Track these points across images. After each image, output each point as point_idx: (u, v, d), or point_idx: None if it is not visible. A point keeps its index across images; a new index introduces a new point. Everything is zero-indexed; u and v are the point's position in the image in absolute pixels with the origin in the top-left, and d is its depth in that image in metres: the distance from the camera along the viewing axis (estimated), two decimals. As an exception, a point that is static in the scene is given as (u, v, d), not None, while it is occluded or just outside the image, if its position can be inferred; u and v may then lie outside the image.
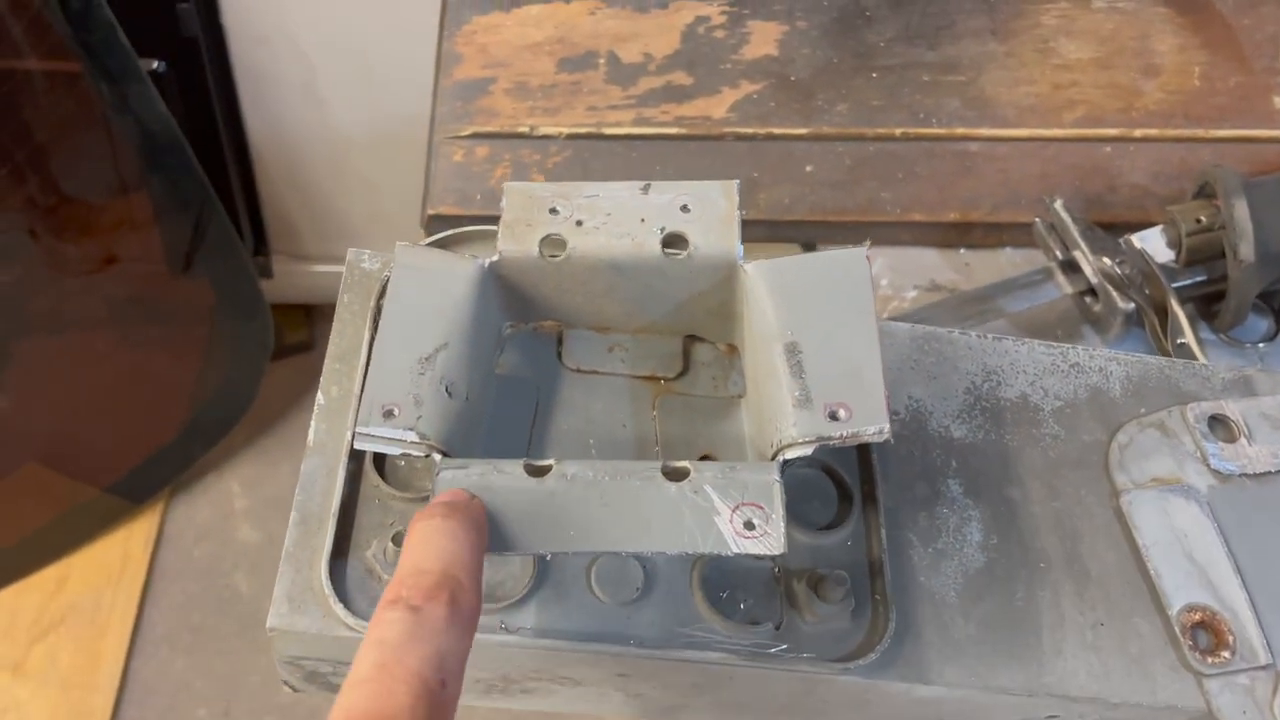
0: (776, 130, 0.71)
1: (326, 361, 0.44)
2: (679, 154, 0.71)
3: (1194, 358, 0.58)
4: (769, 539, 0.36)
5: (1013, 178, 0.70)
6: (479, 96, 0.73)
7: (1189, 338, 0.59)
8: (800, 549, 0.42)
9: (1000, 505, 0.45)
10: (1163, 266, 0.63)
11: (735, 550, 0.36)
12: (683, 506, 0.36)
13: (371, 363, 0.39)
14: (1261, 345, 0.65)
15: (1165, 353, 0.60)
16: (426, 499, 0.41)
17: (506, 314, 0.45)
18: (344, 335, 0.45)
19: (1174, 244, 0.64)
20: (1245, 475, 0.47)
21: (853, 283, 0.41)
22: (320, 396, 0.43)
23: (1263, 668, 0.43)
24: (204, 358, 1.36)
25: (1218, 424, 0.49)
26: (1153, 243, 0.65)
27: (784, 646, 0.40)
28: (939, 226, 0.69)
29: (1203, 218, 0.63)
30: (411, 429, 0.38)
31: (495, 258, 0.43)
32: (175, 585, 1.39)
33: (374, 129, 1.29)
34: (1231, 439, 0.48)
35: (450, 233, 0.47)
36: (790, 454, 0.38)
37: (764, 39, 0.75)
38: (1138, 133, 0.71)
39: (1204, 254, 0.63)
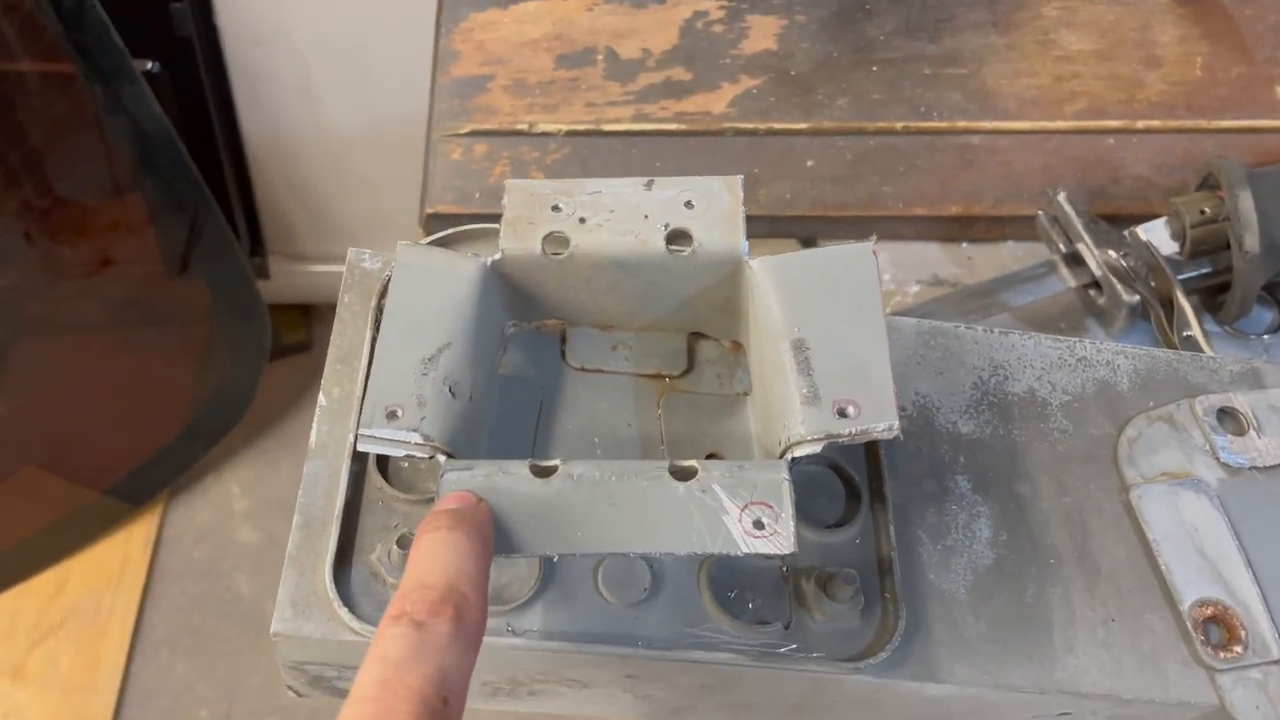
0: (777, 125, 0.71)
1: (328, 363, 0.44)
2: (679, 150, 0.70)
3: (1200, 350, 0.58)
4: (779, 538, 0.35)
5: (1015, 170, 0.69)
6: (477, 94, 0.72)
7: (1195, 330, 0.58)
8: (808, 547, 0.42)
9: (1009, 501, 0.45)
10: (1167, 258, 0.62)
11: (745, 550, 0.35)
12: (691, 506, 0.36)
13: (374, 363, 0.39)
14: (1266, 337, 0.65)
15: (1171, 345, 0.60)
16: (431, 501, 0.41)
17: (509, 313, 0.45)
18: (345, 336, 0.44)
19: (1178, 236, 0.64)
20: (1255, 468, 0.47)
21: (859, 278, 0.40)
22: (322, 398, 0.43)
23: (1275, 662, 0.42)
24: (202, 359, 1.36)
25: (1226, 417, 0.48)
26: (1157, 234, 0.65)
27: (793, 646, 0.40)
28: (941, 220, 0.69)
29: (1207, 209, 0.62)
30: (415, 430, 0.37)
31: (497, 256, 0.42)
32: (175, 587, 1.39)
33: (371, 128, 1.28)
34: (1240, 432, 0.48)
35: (451, 231, 0.47)
36: (799, 452, 0.37)
37: (763, 33, 0.74)
38: (1140, 124, 0.70)
39: (1208, 245, 0.63)
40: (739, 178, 0.43)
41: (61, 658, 1.30)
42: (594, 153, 0.70)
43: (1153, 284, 0.61)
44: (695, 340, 0.46)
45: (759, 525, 0.36)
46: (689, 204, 0.42)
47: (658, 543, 0.35)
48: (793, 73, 0.73)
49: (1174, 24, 0.74)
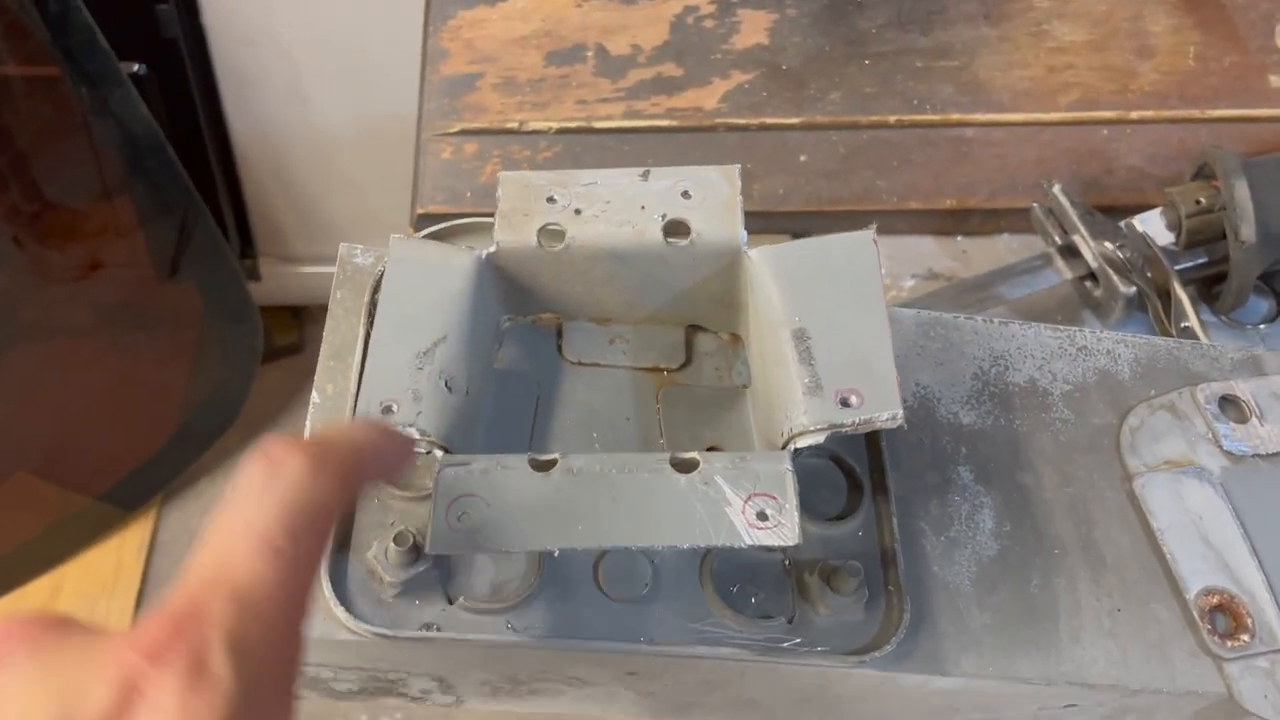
0: (769, 120, 0.70)
1: (320, 359, 0.43)
2: (670, 146, 0.70)
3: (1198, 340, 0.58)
4: (783, 529, 0.35)
5: (1009, 163, 0.69)
6: (466, 92, 0.72)
7: (1192, 321, 0.58)
8: (811, 540, 0.41)
9: (1012, 492, 0.45)
10: (1163, 249, 0.62)
11: (749, 542, 0.35)
12: (693, 499, 0.35)
13: (368, 358, 0.38)
14: (1263, 326, 0.65)
15: (1169, 336, 0.59)
16: (428, 497, 0.40)
17: (504, 306, 0.44)
18: (338, 332, 0.44)
19: (1174, 226, 0.63)
20: (1258, 456, 0.47)
21: (860, 266, 0.40)
22: (315, 395, 0.42)
23: (1282, 650, 0.42)
24: (193, 362, 1.35)
25: (1228, 404, 0.48)
26: (1152, 225, 0.64)
27: (797, 640, 0.39)
28: (936, 214, 0.69)
29: (1202, 199, 0.62)
30: (411, 425, 0.37)
31: (492, 249, 0.42)
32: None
33: (360, 127, 1.27)
34: (1243, 419, 0.48)
35: (445, 225, 0.46)
36: (802, 442, 0.37)
37: (754, 28, 0.74)
38: (1134, 114, 0.70)
39: (1204, 236, 0.63)
40: (736, 167, 0.42)
41: (54, 666, 1.29)
42: (585, 150, 0.70)
43: (1149, 275, 0.61)
44: (693, 333, 0.46)
45: (762, 517, 0.35)
46: (686, 194, 0.42)
47: (660, 536, 0.35)
48: (784, 67, 0.72)
49: (1166, 13, 0.73)
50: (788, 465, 0.36)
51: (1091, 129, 0.70)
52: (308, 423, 0.42)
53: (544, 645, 0.38)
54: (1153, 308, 0.60)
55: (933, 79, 0.71)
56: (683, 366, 0.45)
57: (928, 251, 0.70)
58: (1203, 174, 0.64)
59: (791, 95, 0.71)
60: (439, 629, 0.37)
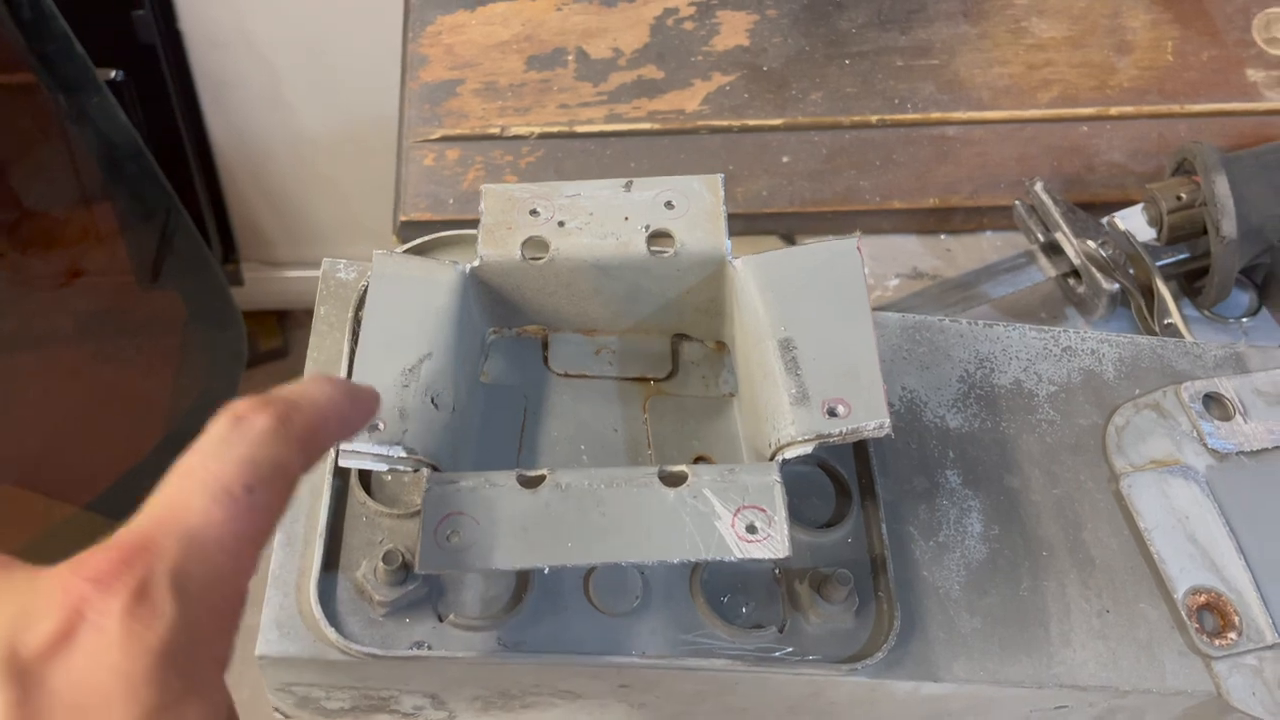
0: (751, 122, 0.70)
1: (305, 375, 0.43)
2: (653, 150, 0.70)
3: (1182, 337, 0.58)
4: (773, 542, 0.35)
5: (991, 161, 0.69)
6: (447, 98, 0.72)
7: (1176, 318, 0.58)
8: (800, 548, 0.41)
9: (1000, 495, 0.45)
10: (1145, 245, 0.62)
11: (739, 556, 0.35)
12: (682, 512, 0.35)
13: (353, 376, 0.38)
14: (1245, 320, 0.65)
15: (1152, 333, 0.60)
16: (416, 514, 0.40)
17: (489, 319, 0.44)
18: (322, 349, 0.43)
19: (1155, 222, 0.64)
20: (1242, 453, 0.47)
21: (845, 275, 0.40)
22: (302, 413, 0.42)
23: (1270, 647, 0.42)
24: (178, 369, 1.34)
25: (1212, 402, 0.48)
26: (1133, 221, 0.65)
27: (789, 649, 0.39)
28: (918, 213, 0.69)
29: (1183, 195, 0.62)
30: (398, 443, 0.36)
31: (476, 263, 0.41)
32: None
33: (340, 130, 1.27)
34: (1227, 417, 0.48)
35: (427, 238, 0.46)
36: (790, 453, 0.37)
37: (734, 29, 0.74)
38: (1113, 110, 0.70)
39: (1185, 231, 0.63)
40: (719, 176, 0.42)
41: (43, 677, 1.28)
42: (567, 155, 0.70)
43: (1132, 271, 0.61)
44: (679, 342, 0.46)
45: (752, 530, 0.35)
46: (669, 204, 0.42)
47: (650, 552, 0.35)
48: (765, 68, 0.72)
49: (1144, 9, 0.74)
50: (776, 477, 0.36)
51: (1072, 125, 0.70)
52: (294, 441, 0.41)
53: (536, 660, 0.38)
54: (1136, 305, 0.61)
55: (913, 78, 0.71)
56: (669, 376, 0.45)
57: (912, 250, 0.70)
58: (1183, 169, 0.65)
59: (773, 96, 0.71)
60: (430, 647, 0.37)
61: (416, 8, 0.75)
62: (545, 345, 0.45)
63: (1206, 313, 0.65)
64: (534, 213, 0.42)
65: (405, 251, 0.45)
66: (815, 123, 0.70)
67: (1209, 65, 0.71)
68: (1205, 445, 0.47)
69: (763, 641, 0.39)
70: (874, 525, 0.42)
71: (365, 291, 0.43)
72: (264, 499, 0.29)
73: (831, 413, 0.37)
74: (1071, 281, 0.64)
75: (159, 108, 1.21)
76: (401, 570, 0.37)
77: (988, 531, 0.44)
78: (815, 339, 0.38)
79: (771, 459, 0.38)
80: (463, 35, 0.74)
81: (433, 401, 0.38)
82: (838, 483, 0.43)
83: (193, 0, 1.14)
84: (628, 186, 0.42)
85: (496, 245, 0.41)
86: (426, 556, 0.35)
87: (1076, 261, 0.63)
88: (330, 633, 0.37)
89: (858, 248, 0.41)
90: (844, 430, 0.37)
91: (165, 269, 1.22)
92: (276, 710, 0.42)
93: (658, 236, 0.41)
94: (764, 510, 0.35)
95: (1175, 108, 0.70)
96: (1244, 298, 0.66)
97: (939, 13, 0.74)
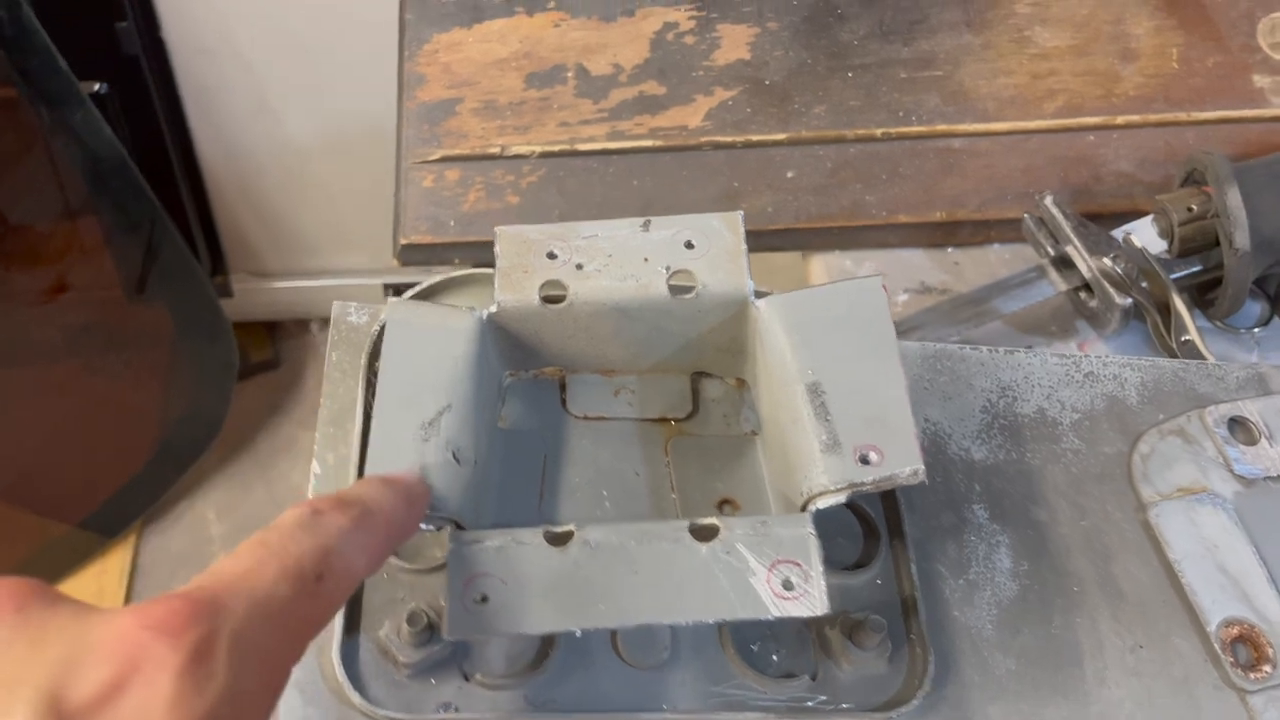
0: (754, 137, 0.69)
1: (319, 425, 0.42)
2: (656, 167, 0.69)
3: (1199, 354, 0.57)
4: (810, 599, 0.34)
5: (998, 173, 0.68)
6: (446, 118, 0.70)
7: (1193, 335, 0.58)
8: (829, 591, 0.40)
9: (1028, 529, 0.44)
10: (1159, 260, 0.62)
11: (775, 614, 0.34)
12: (716, 569, 0.35)
13: (372, 431, 0.37)
14: (1257, 330, 0.65)
15: (1168, 349, 0.59)
16: (437, 569, 0.39)
17: (506, 363, 0.43)
18: (335, 397, 0.42)
19: (1166, 234, 0.63)
20: (1270, 478, 0.47)
21: (871, 314, 0.39)
22: (315, 465, 0.41)
23: (1305, 680, 0.42)
24: (168, 383, 1.33)
25: (1237, 426, 0.48)
26: (1144, 233, 0.64)
27: (822, 698, 0.39)
28: (925, 227, 0.68)
29: (1194, 206, 0.62)
30: (421, 502, 0.35)
31: (493, 308, 0.40)
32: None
33: (328, 138, 1.26)
34: (1252, 441, 0.48)
35: (438, 279, 0.45)
36: (822, 503, 0.36)
37: (735, 43, 0.72)
38: (1119, 119, 0.69)
39: (1197, 243, 0.62)
40: (739, 214, 0.41)
41: (40, 700, 1.27)
42: (569, 174, 0.69)
43: (1145, 286, 0.61)
44: (698, 380, 0.45)
45: (788, 586, 0.34)
46: (689, 244, 0.41)
47: (685, 612, 0.34)
48: (767, 82, 0.71)
49: (1148, 15, 0.73)
50: (810, 529, 0.35)
51: (1078, 135, 0.69)
52: (309, 494, 0.41)
53: (566, 719, 0.37)
54: (1152, 321, 0.60)
55: (917, 90, 0.70)
56: (690, 416, 0.44)
57: (919, 265, 0.69)
58: (1192, 179, 0.64)
59: (776, 110, 0.70)
60: (458, 709, 0.37)
61: (412, 25, 0.73)
62: (563, 387, 0.44)
63: (1218, 324, 0.64)
64: (551, 255, 0.41)
65: (415, 296, 0.44)
66: (819, 137, 0.69)
67: (1214, 71, 0.70)
68: (1232, 471, 0.47)
69: (795, 691, 0.39)
70: (903, 565, 0.42)
71: (378, 338, 0.42)
72: (329, 591, 0.29)
73: (864, 460, 0.36)
74: (1083, 295, 0.64)
75: (143, 119, 1.19)
76: (426, 631, 0.36)
77: (1017, 567, 0.43)
78: (844, 382, 0.38)
79: (803, 509, 0.37)
80: (460, 53, 0.72)
81: (454, 456, 0.37)
82: (865, 522, 0.43)
83: (177, 10, 1.12)
84: (646, 226, 0.41)
85: (514, 290, 0.40)
86: (455, 622, 0.34)
87: (1088, 276, 0.62)
88: (354, 697, 0.36)
89: (882, 285, 0.40)
90: (877, 478, 0.36)
91: (152, 281, 1.21)
92: (298, 771, 0.41)
93: (679, 278, 0.40)
94: (799, 565, 0.34)
95: (1182, 115, 0.69)
96: (1255, 308, 0.65)
97: (941, 23, 0.73)
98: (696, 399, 0.44)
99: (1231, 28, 0.72)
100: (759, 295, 0.40)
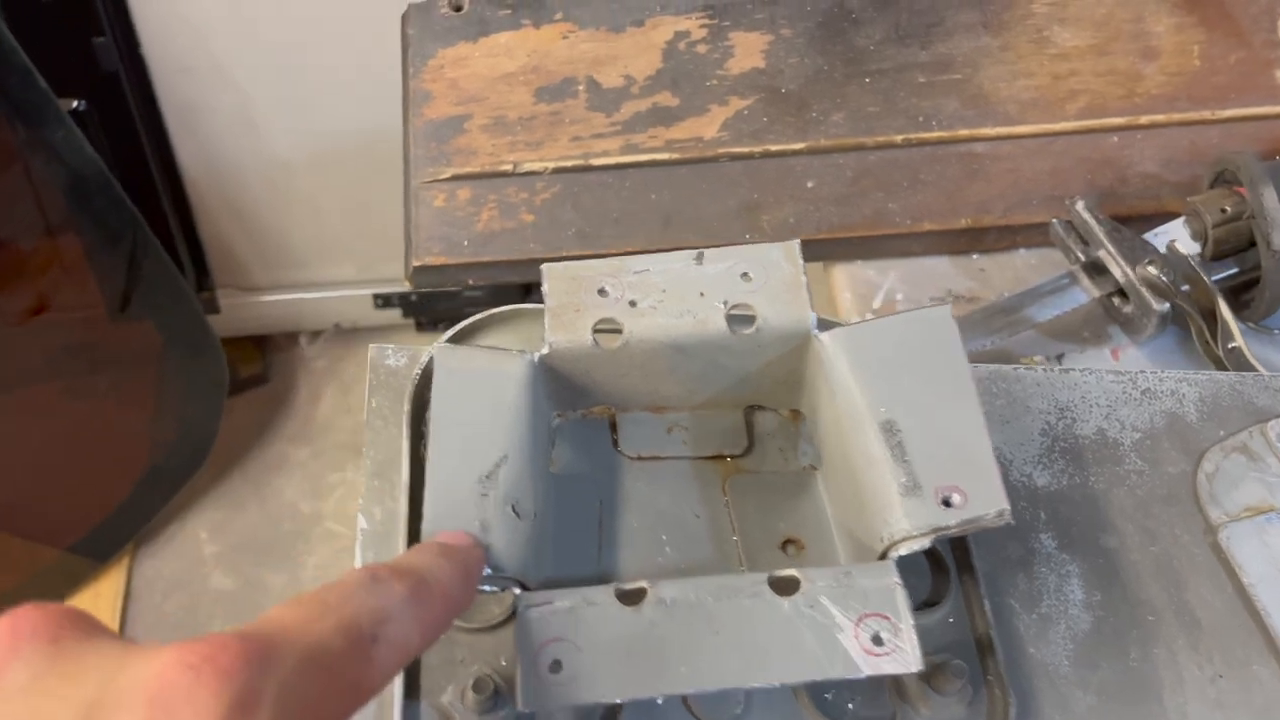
0: (772, 147, 0.68)
1: (365, 478, 0.40)
2: (673, 180, 0.67)
3: (1246, 361, 0.56)
4: (902, 655, 0.33)
5: (1023, 177, 0.67)
6: (454, 135, 0.68)
7: (1239, 341, 0.56)
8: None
9: (1098, 557, 0.43)
10: (1200, 262, 0.60)
11: (866, 673, 0.32)
12: (800, 625, 0.33)
13: (427, 487, 0.35)
14: (1290, 330, 0.64)
15: (1213, 357, 0.58)
16: (495, 628, 0.37)
17: (555, 404, 0.41)
18: (378, 446, 0.40)
19: (1199, 236, 0.62)
20: (1336, 495, 0.45)
21: (941, 345, 0.38)
22: (362, 520, 0.39)
23: (1389, 705, 0.41)
24: (157, 402, 1.31)
25: (1299, 441, 0.47)
26: (1173, 236, 0.63)
27: (902, 747, 0.37)
28: (950, 234, 0.66)
29: (1228, 207, 0.61)
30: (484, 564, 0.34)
31: (545, 350, 0.39)
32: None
33: (312, 148, 1.23)
34: (1316, 456, 0.46)
35: (478, 317, 0.43)
36: (904, 550, 0.35)
37: (748, 51, 0.71)
38: (1143, 119, 0.68)
39: (1231, 245, 0.61)
40: (796, 243, 0.40)
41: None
42: (584, 189, 0.67)
43: (1186, 289, 0.59)
44: (751, 413, 0.43)
45: (878, 641, 0.33)
46: (745, 275, 0.39)
47: (771, 673, 0.32)
48: (783, 90, 0.69)
49: (1167, 12, 0.72)
50: (896, 579, 0.34)
51: (1102, 136, 0.68)
52: (357, 550, 0.39)
53: (640, 782, 0.36)
54: (1196, 328, 0.59)
55: (936, 94, 0.69)
56: (746, 452, 0.42)
57: (944, 273, 0.68)
58: (1222, 179, 0.63)
59: (793, 119, 0.68)
60: (528, 777, 0.35)
61: (415, 41, 0.71)
62: (613, 427, 0.42)
63: (1252, 326, 0.63)
64: (602, 292, 0.39)
65: (452, 338, 0.42)
66: (839, 145, 0.68)
67: (1236, 68, 0.69)
68: (1298, 488, 0.45)
69: (874, 740, 0.37)
70: (975, 602, 0.40)
71: (420, 382, 0.40)
72: (383, 657, 0.27)
73: (946, 502, 0.35)
74: (1117, 301, 0.62)
75: (124, 136, 1.17)
76: (492, 698, 0.35)
77: (1090, 598, 0.42)
78: (920, 420, 0.36)
79: (883, 555, 0.35)
80: (466, 69, 0.70)
81: (514, 510, 0.35)
82: (932, 558, 0.41)
83: (155, 26, 1.10)
84: (699, 259, 0.39)
85: (566, 330, 0.38)
86: (529, 693, 0.32)
87: (1123, 281, 0.61)
88: (420, 768, 0.34)
89: (950, 315, 0.38)
90: (962, 521, 0.34)
91: (136, 299, 1.18)
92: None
93: (737, 312, 0.38)
94: (888, 618, 0.33)
95: (1206, 114, 0.68)
96: (1288, 308, 0.64)
97: (958, 25, 0.71)
98: (751, 433, 0.42)
99: (1252, 24, 0.71)
100: (824, 326, 0.39)
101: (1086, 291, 0.63)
